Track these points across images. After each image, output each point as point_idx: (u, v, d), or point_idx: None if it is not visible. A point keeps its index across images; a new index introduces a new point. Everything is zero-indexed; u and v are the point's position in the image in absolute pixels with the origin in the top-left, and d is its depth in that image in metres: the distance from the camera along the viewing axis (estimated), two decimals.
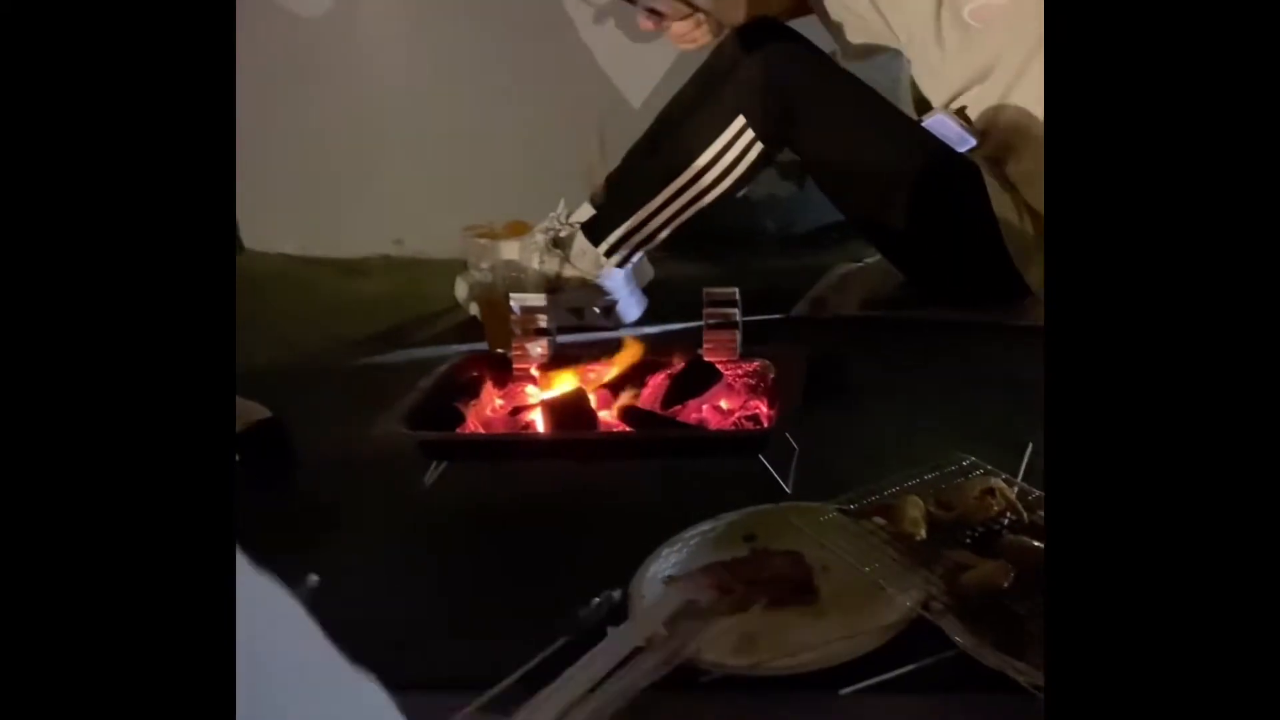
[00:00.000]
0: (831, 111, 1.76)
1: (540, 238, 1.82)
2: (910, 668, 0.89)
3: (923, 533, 1.02)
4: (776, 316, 1.75)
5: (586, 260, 1.81)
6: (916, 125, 1.78)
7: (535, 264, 1.81)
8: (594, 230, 1.81)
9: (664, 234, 1.79)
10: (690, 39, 1.80)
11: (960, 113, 1.77)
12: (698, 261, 2.01)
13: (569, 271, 1.82)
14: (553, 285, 1.79)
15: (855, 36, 1.88)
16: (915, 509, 1.04)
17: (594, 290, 1.81)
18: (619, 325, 1.81)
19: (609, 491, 1.25)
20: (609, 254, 1.81)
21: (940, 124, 1.74)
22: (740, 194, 1.81)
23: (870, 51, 1.90)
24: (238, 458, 1.31)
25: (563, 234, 1.82)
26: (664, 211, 1.77)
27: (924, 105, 1.86)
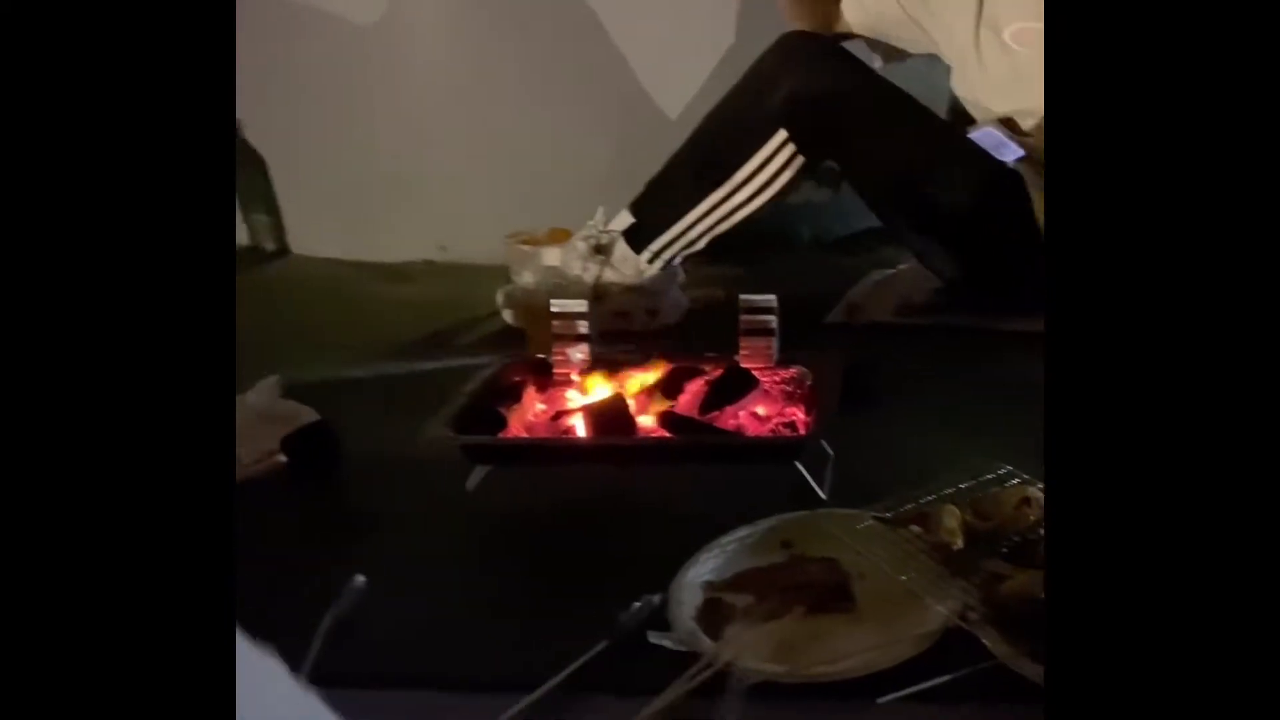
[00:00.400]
0: (874, 124, 1.76)
1: (581, 244, 1.84)
2: (947, 677, 0.89)
3: (960, 542, 1.02)
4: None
5: (629, 266, 1.83)
6: (960, 134, 1.78)
7: (577, 270, 1.83)
8: (636, 238, 1.83)
9: (703, 242, 1.82)
10: None
11: (1007, 123, 1.77)
12: (733, 267, 2.01)
13: (611, 276, 1.83)
14: (596, 291, 1.80)
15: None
16: (952, 518, 1.04)
17: (637, 294, 1.83)
18: (663, 328, 1.82)
19: (648, 496, 1.26)
20: (651, 261, 1.83)
21: (987, 136, 1.73)
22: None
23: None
24: (285, 459, 1.34)
25: (604, 240, 1.84)
26: (704, 221, 1.80)
27: (962, 111, 1.86)
